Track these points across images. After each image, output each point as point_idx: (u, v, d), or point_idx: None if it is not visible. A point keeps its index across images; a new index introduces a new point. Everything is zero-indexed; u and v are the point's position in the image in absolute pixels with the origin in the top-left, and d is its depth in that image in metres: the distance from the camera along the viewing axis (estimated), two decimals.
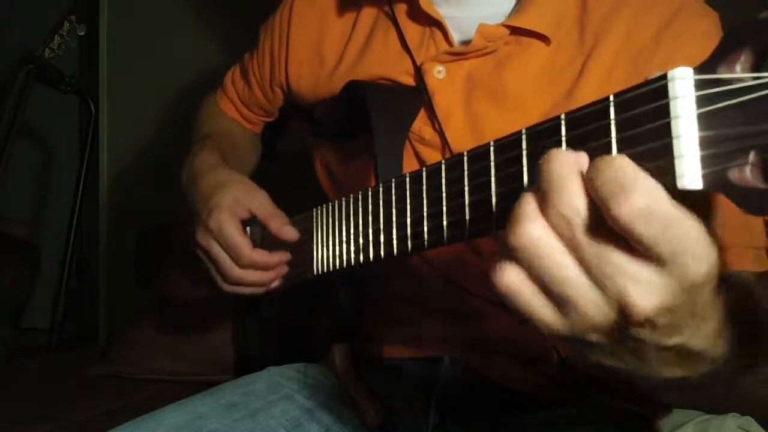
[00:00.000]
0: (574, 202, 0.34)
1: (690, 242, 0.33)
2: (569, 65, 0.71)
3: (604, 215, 0.33)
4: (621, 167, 0.33)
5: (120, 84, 2.24)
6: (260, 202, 0.81)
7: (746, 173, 0.32)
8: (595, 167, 0.33)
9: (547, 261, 0.35)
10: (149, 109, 2.16)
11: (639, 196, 0.32)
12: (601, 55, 0.70)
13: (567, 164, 0.35)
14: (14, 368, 1.72)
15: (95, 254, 2.30)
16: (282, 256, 0.80)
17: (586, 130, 0.39)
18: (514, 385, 0.77)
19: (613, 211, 0.32)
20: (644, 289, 0.34)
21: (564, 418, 0.75)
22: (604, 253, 0.34)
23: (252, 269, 0.79)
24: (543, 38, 0.72)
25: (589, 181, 0.33)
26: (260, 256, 0.79)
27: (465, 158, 0.48)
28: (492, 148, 0.46)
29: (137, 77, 2.19)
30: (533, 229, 0.35)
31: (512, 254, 0.36)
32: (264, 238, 0.84)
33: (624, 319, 0.35)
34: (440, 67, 0.75)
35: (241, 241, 0.78)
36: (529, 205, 0.35)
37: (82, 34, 1.88)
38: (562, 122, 0.40)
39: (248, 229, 0.85)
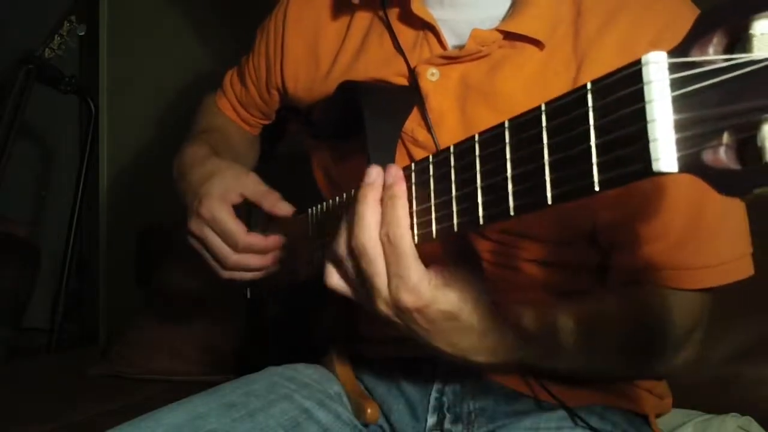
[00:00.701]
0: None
1: (410, 275, 0.52)
2: (564, 70, 0.71)
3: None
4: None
5: (120, 84, 2.24)
6: (251, 185, 0.82)
7: (720, 154, 0.32)
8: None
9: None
10: (149, 109, 2.16)
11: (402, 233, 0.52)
12: (594, 66, 0.70)
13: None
14: (14, 368, 1.72)
15: (95, 254, 2.30)
16: (278, 240, 0.81)
17: (566, 118, 0.39)
18: (513, 385, 0.77)
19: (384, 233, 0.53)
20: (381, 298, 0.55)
21: (563, 418, 0.74)
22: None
23: (249, 253, 0.80)
24: (537, 43, 0.72)
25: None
26: (256, 239, 0.79)
27: (451, 153, 0.49)
28: (477, 142, 0.46)
29: (137, 77, 2.19)
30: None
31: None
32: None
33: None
34: (434, 70, 0.75)
35: (234, 225, 0.78)
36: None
37: (82, 34, 1.89)
38: (543, 112, 0.40)
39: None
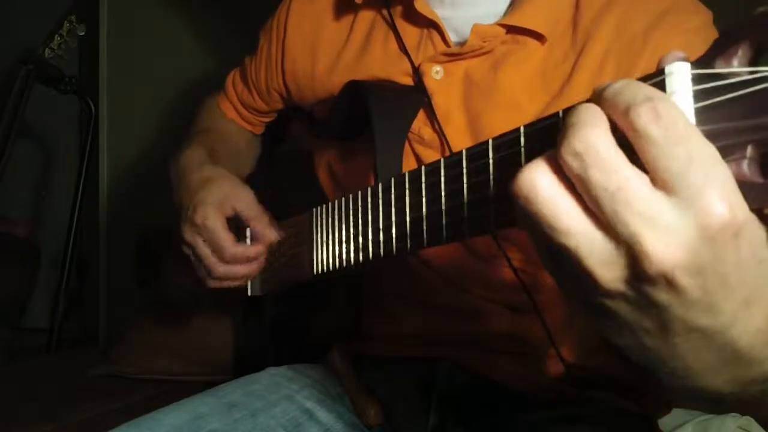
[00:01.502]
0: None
1: (715, 176, 0.29)
2: (563, 63, 0.72)
3: (625, 128, 0.30)
4: (642, 86, 0.31)
5: (120, 84, 2.24)
6: (245, 202, 0.82)
7: (744, 168, 0.32)
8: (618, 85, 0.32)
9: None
10: (149, 109, 2.16)
11: (664, 104, 0.29)
12: (591, 51, 0.70)
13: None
14: (14, 368, 1.72)
15: (95, 254, 2.30)
16: (260, 249, 0.81)
17: None
18: (514, 385, 0.77)
19: (632, 117, 0.29)
20: (662, 233, 0.29)
21: (564, 417, 0.74)
22: (616, 187, 0.29)
23: (235, 263, 0.80)
24: (538, 36, 0.72)
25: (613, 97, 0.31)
26: (241, 249, 0.80)
27: (464, 156, 0.48)
28: (491, 146, 0.46)
29: (137, 77, 2.19)
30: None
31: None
32: None
33: (636, 274, 0.30)
34: (438, 68, 0.75)
35: (224, 236, 0.79)
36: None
37: (82, 34, 1.88)
38: (561, 119, 0.40)
39: (248, 230, 0.85)
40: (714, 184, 0.29)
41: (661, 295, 0.30)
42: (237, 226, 0.84)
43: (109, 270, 2.28)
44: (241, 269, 0.81)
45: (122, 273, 2.02)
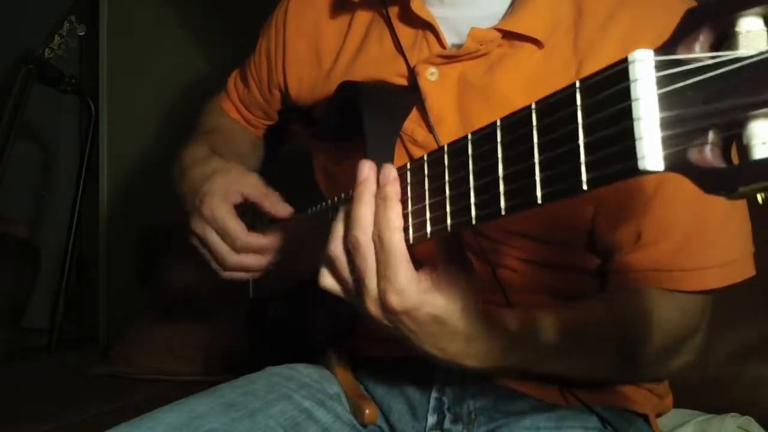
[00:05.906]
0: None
1: (400, 280, 0.52)
2: (563, 70, 0.71)
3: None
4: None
5: (120, 84, 2.24)
6: (252, 185, 0.82)
7: (706, 152, 0.32)
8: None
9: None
10: (149, 109, 2.16)
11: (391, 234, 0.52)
12: (594, 63, 0.69)
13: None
14: (14, 368, 1.72)
15: (95, 254, 2.30)
16: (276, 239, 0.81)
17: (556, 117, 0.39)
18: (513, 386, 0.77)
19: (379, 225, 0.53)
20: (368, 303, 0.55)
21: (563, 417, 0.74)
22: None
23: (248, 253, 0.80)
24: (535, 42, 0.72)
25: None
26: (255, 238, 0.80)
27: (445, 153, 0.48)
28: (470, 142, 0.46)
29: (137, 77, 2.19)
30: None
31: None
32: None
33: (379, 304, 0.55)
34: (433, 69, 0.75)
35: (235, 225, 0.79)
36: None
37: (82, 34, 1.89)
38: (533, 111, 0.40)
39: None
40: (395, 286, 0.53)
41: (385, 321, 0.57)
42: (252, 220, 0.84)
43: (109, 270, 2.28)
44: (253, 260, 0.81)
45: (122, 273, 2.02)
